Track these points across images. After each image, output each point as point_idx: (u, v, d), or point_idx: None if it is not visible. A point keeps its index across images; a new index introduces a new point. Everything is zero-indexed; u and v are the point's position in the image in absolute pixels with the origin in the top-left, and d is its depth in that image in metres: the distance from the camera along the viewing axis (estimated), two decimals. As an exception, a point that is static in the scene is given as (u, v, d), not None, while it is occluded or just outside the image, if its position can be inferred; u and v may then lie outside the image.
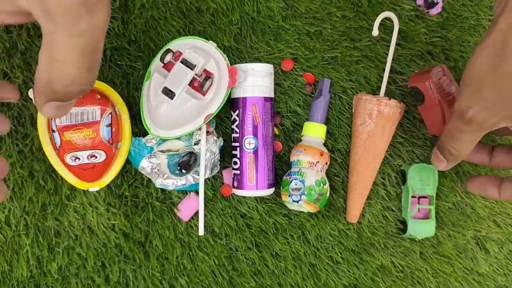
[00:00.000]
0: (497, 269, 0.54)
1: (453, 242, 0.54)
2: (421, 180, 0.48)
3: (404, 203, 0.50)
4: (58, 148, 0.46)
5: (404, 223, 0.51)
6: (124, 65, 0.51)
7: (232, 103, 0.50)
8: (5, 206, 0.50)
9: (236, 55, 0.52)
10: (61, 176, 0.50)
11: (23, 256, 0.50)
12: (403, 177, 0.51)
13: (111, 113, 0.47)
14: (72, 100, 0.31)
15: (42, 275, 0.51)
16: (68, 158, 0.46)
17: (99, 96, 0.48)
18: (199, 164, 0.50)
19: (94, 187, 0.48)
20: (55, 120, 0.45)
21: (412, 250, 0.53)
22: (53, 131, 0.46)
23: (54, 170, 0.50)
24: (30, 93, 0.48)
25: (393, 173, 0.53)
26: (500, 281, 0.54)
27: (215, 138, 0.50)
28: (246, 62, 0.51)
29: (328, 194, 0.49)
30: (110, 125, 0.47)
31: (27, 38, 0.50)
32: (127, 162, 0.51)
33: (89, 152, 0.46)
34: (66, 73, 0.28)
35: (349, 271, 0.53)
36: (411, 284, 0.53)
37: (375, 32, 0.50)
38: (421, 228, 0.50)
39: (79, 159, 0.47)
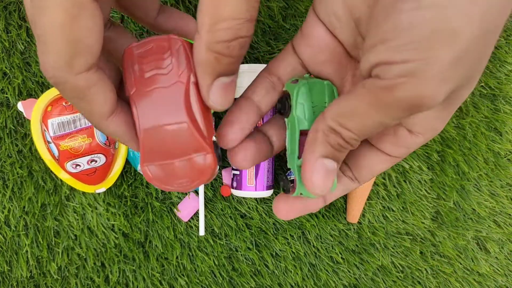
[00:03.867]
0: (498, 269, 0.54)
1: (454, 242, 0.54)
2: (314, 106, 0.26)
3: (290, 144, 0.26)
4: (57, 158, 0.46)
5: (287, 179, 0.27)
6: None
7: (233, 103, 0.50)
8: (4, 206, 0.50)
9: (236, 54, 0.52)
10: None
11: (22, 256, 0.50)
12: (283, 104, 0.27)
13: None
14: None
15: (42, 276, 0.51)
16: (69, 166, 0.47)
17: None
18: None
19: (100, 188, 0.48)
20: (48, 131, 0.45)
21: (413, 250, 0.53)
22: (49, 142, 0.46)
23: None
24: (20, 106, 0.48)
25: (393, 173, 0.53)
26: (500, 281, 0.54)
27: (214, 138, 0.50)
28: (246, 63, 0.51)
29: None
30: None
31: (26, 38, 0.50)
32: (127, 162, 0.51)
33: (88, 157, 0.46)
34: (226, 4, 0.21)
35: (349, 271, 0.53)
36: (411, 284, 0.53)
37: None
38: None
39: (80, 165, 0.47)
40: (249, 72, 0.48)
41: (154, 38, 0.23)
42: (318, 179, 0.22)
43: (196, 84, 0.22)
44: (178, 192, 0.51)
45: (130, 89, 0.23)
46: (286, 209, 0.25)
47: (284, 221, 0.52)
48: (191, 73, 0.22)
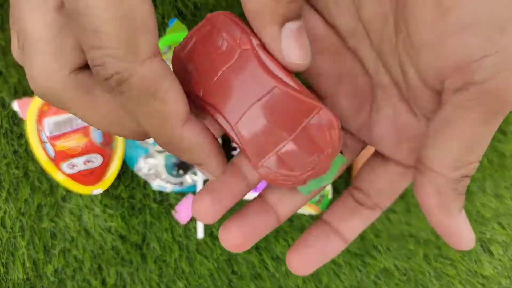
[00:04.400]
0: (502, 272, 0.53)
1: (457, 244, 0.53)
2: None
3: None
4: (53, 158, 0.45)
5: None
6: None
7: None
8: (0, 208, 0.49)
9: (236, 53, 0.51)
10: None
11: (19, 258, 0.50)
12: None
13: None
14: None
15: (38, 278, 0.50)
16: (65, 167, 0.46)
17: None
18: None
19: (97, 189, 0.48)
20: (44, 130, 0.44)
21: (416, 253, 0.52)
22: (45, 142, 0.45)
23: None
24: (15, 106, 0.47)
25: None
26: (504, 283, 0.53)
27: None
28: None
29: (330, 196, 0.48)
30: None
31: (22, 36, 0.49)
32: (124, 163, 0.50)
33: (84, 158, 0.46)
34: None
35: (351, 274, 0.52)
36: (414, 287, 0.52)
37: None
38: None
39: (77, 166, 0.46)
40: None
41: (193, 31, 0.19)
42: (468, 233, 0.17)
43: (263, 46, 0.18)
44: (176, 194, 0.51)
45: (198, 93, 0.19)
46: (302, 263, 0.21)
47: (285, 223, 0.51)
48: (250, 36, 0.18)
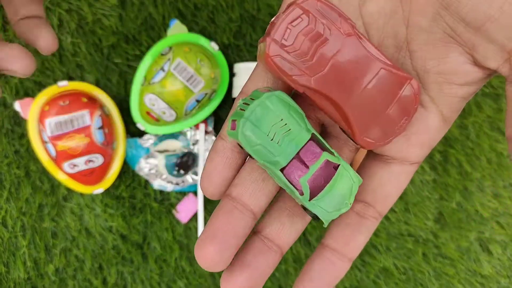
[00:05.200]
0: (500, 271, 0.54)
1: (456, 243, 0.53)
2: (271, 132, 0.19)
3: (284, 187, 0.19)
4: (54, 158, 0.46)
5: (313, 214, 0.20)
6: (120, 63, 0.50)
7: (232, 103, 0.49)
8: (1, 207, 0.50)
9: (236, 53, 0.51)
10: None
11: (20, 257, 0.50)
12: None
13: (100, 115, 0.46)
14: None
15: (40, 277, 0.50)
16: (66, 167, 0.46)
17: (85, 100, 0.47)
18: (197, 164, 0.49)
19: (98, 189, 0.48)
20: (45, 130, 0.45)
21: (415, 252, 0.52)
22: (46, 142, 0.45)
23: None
24: (17, 106, 0.48)
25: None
26: (503, 283, 0.53)
27: (213, 137, 0.50)
28: (245, 61, 0.51)
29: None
30: (102, 127, 0.46)
31: (23, 37, 0.49)
32: (124, 162, 0.50)
33: (85, 157, 0.46)
34: None
35: (350, 274, 0.52)
36: (413, 287, 0.53)
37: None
38: (334, 200, 0.20)
39: (77, 166, 0.46)
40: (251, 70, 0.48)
41: (282, 18, 0.18)
42: None
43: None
44: (177, 193, 0.51)
45: (306, 83, 0.19)
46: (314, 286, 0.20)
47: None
48: (348, 20, 0.19)
